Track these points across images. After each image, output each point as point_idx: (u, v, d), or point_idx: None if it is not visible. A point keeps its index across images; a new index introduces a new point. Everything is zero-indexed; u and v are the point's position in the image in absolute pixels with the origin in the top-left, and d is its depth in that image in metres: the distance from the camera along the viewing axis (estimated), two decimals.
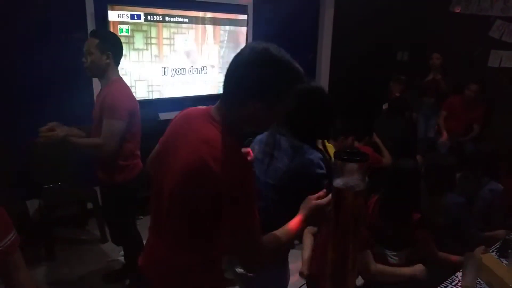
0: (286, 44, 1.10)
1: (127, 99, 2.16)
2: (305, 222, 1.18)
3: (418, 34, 5.16)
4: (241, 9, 4.02)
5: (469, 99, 4.33)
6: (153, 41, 3.47)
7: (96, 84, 2.95)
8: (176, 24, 3.56)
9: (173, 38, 3.57)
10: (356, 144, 3.09)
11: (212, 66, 3.91)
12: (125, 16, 3.25)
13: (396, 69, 5.17)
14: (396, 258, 1.99)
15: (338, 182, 0.95)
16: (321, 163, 1.47)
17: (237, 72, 1.04)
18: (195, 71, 3.81)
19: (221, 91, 1.10)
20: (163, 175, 1.13)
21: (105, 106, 2.08)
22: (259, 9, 4.19)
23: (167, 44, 3.56)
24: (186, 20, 3.61)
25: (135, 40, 3.36)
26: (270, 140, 1.55)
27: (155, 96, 3.61)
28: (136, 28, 3.34)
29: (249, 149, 1.45)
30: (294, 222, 1.18)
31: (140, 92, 3.47)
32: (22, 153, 3.00)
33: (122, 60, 2.27)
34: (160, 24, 3.46)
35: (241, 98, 1.04)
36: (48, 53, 3.07)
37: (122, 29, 3.25)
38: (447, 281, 1.71)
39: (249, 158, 1.36)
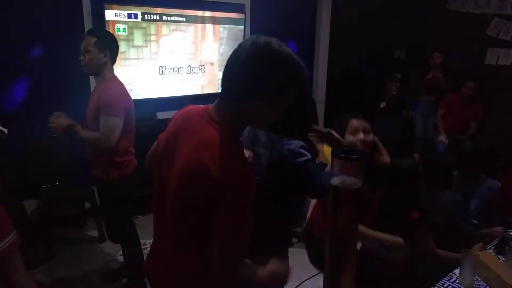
0: (283, 42, 1.09)
1: (122, 97, 2.20)
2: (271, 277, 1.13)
3: (416, 33, 5.15)
4: (238, 8, 4.02)
5: (467, 97, 4.33)
6: (152, 37, 3.47)
7: (94, 82, 2.94)
8: (174, 23, 3.55)
9: (171, 37, 3.57)
10: None
11: (212, 64, 3.91)
12: (122, 15, 3.24)
13: (393, 68, 5.16)
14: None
15: (335, 180, 0.95)
16: (302, 150, 1.47)
17: (237, 68, 1.00)
18: (192, 70, 3.80)
19: (219, 90, 1.07)
20: (165, 176, 1.12)
21: (102, 103, 2.11)
22: (256, 8, 4.18)
23: (165, 43, 3.55)
24: (184, 19, 3.61)
25: (134, 37, 3.35)
26: (250, 136, 1.54)
27: (153, 95, 3.60)
28: (135, 25, 3.33)
29: (250, 152, 1.44)
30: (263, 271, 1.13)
31: (138, 92, 3.46)
32: (19, 153, 2.99)
33: (121, 59, 2.28)
34: (159, 23, 3.46)
35: (241, 95, 1.00)
36: (45, 52, 3.06)
37: (119, 28, 3.25)
38: (445, 278, 1.71)
39: (249, 159, 1.35)
